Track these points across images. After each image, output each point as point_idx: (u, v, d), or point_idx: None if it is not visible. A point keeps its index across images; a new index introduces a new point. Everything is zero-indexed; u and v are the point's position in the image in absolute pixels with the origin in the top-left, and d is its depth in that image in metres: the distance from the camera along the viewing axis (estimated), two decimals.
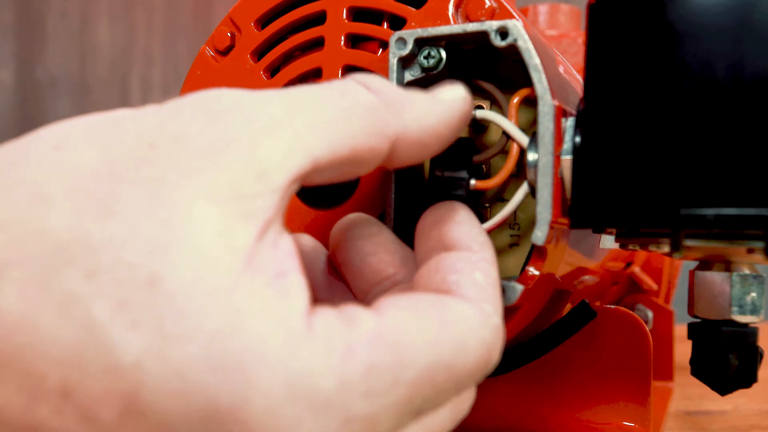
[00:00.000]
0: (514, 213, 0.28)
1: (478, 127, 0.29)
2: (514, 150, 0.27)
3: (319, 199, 0.30)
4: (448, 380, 0.20)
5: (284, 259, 0.19)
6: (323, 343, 0.18)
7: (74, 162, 0.19)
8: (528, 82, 0.26)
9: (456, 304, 0.21)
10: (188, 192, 0.18)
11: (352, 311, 0.20)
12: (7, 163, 0.19)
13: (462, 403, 0.22)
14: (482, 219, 0.27)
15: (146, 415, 0.17)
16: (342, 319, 0.19)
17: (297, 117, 0.20)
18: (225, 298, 0.17)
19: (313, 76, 0.31)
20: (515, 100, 0.27)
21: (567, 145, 0.26)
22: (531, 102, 0.27)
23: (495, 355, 0.22)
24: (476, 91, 0.28)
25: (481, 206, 0.29)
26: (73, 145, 0.19)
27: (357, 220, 0.26)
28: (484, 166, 0.28)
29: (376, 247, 0.25)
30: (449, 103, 0.24)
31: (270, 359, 0.17)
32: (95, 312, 0.17)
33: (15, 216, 0.18)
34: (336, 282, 0.26)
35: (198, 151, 0.19)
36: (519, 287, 0.26)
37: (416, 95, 0.23)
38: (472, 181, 0.27)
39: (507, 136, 0.27)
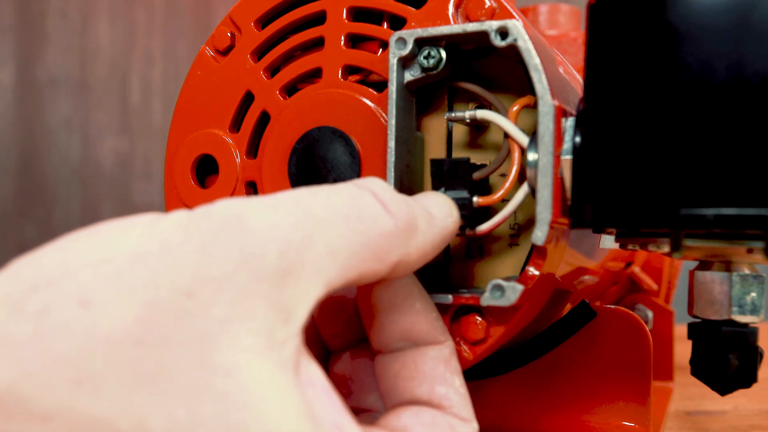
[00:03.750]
0: (514, 213, 0.28)
1: (478, 127, 0.29)
2: (516, 160, 0.27)
3: None
4: None
5: (334, 407, 0.20)
6: None
7: (109, 327, 0.17)
8: (527, 81, 0.26)
9: (459, 427, 0.24)
10: (234, 349, 0.18)
11: None
12: (33, 332, 0.17)
13: None
14: (483, 219, 0.27)
15: None
16: None
17: (319, 244, 0.20)
18: None
19: (313, 76, 0.31)
20: (515, 108, 0.27)
21: (567, 145, 0.26)
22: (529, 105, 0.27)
23: None
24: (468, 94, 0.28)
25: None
26: (103, 302, 0.17)
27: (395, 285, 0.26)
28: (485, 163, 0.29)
29: (407, 308, 0.26)
30: (442, 227, 0.24)
31: None
32: None
33: (57, 402, 0.16)
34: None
35: (233, 296, 0.18)
36: (519, 287, 0.26)
37: (420, 217, 0.23)
38: (475, 199, 0.27)
39: (506, 149, 0.27)
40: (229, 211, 0.20)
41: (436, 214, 0.24)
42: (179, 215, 0.20)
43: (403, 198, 0.23)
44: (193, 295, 0.18)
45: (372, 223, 0.22)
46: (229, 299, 0.18)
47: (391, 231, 0.22)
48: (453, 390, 0.25)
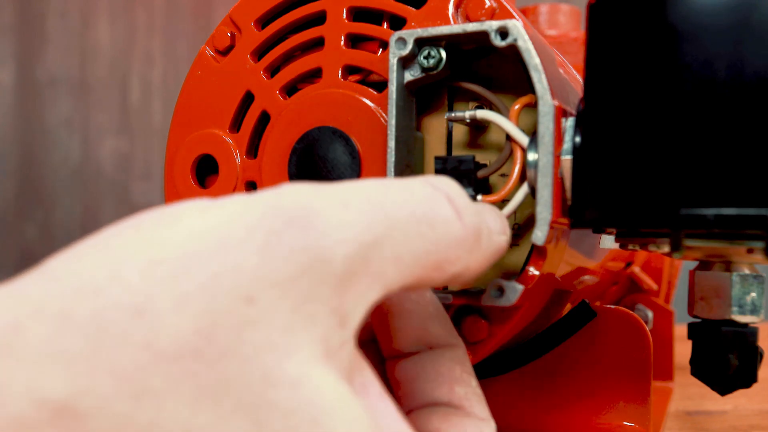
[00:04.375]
0: (514, 213, 0.28)
1: (478, 127, 0.29)
2: (518, 160, 0.27)
3: None
4: None
5: (392, 414, 0.19)
6: None
7: (167, 338, 0.16)
8: (527, 81, 0.26)
9: (483, 427, 0.24)
10: (297, 360, 0.17)
11: None
12: (85, 344, 0.16)
13: None
14: None
15: None
16: None
17: (387, 248, 0.19)
18: None
19: (313, 76, 0.31)
20: (516, 107, 0.27)
21: (567, 145, 0.26)
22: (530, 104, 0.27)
23: None
24: (468, 93, 0.28)
25: None
26: (158, 311, 0.16)
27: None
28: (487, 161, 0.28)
29: (422, 313, 0.25)
30: (498, 243, 0.23)
31: None
32: None
33: (116, 419, 0.15)
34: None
35: (295, 302, 0.17)
36: (519, 287, 0.26)
37: (485, 231, 0.22)
38: (479, 197, 0.27)
39: (509, 149, 0.27)
40: (298, 204, 0.18)
41: (494, 229, 0.23)
42: (238, 204, 0.18)
43: (474, 207, 0.22)
44: (254, 301, 0.17)
45: (444, 230, 0.20)
46: (291, 305, 0.17)
47: (460, 241, 0.21)
48: (471, 390, 0.25)
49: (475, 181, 0.27)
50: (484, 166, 0.28)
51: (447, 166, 0.27)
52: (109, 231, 0.18)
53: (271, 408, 0.16)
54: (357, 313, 0.18)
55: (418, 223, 0.20)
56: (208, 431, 0.16)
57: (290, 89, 0.32)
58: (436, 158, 0.27)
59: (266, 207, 0.18)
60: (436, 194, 0.21)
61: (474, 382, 0.25)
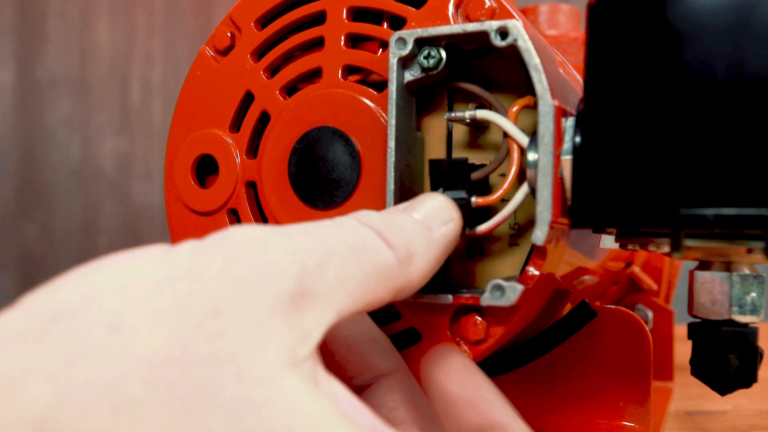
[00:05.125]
0: (514, 213, 0.28)
1: (478, 127, 0.29)
2: (515, 160, 0.27)
3: (318, 199, 0.30)
4: None
5: (365, 413, 0.20)
6: None
7: (142, 349, 0.17)
8: (527, 81, 0.26)
9: None
10: (267, 362, 0.18)
11: None
12: (64, 360, 0.16)
13: None
14: (483, 219, 0.27)
15: None
16: None
17: (330, 273, 0.21)
18: None
19: (313, 76, 0.31)
20: (515, 108, 0.27)
21: (567, 145, 0.26)
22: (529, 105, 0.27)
23: None
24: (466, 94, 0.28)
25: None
26: (132, 326, 0.17)
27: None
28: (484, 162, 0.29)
29: (360, 336, 0.27)
30: (442, 237, 0.25)
31: None
32: None
33: (97, 428, 0.16)
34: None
35: (258, 315, 0.19)
36: (519, 287, 0.26)
37: (419, 239, 0.24)
38: (474, 199, 0.27)
39: (505, 149, 0.27)
40: (247, 236, 0.20)
41: (434, 225, 0.25)
42: (192, 243, 0.20)
43: (398, 226, 0.24)
44: (220, 315, 0.18)
45: (375, 254, 0.22)
46: (254, 318, 0.19)
47: (392, 262, 0.23)
48: (414, 414, 0.26)
49: (468, 183, 0.27)
50: (480, 167, 0.28)
51: (441, 170, 0.27)
52: (81, 269, 0.19)
53: (245, 405, 0.17)
54: (316, 333, 0.20)
55: (353, 250, 0.22)
56: None
57: (290, 89, 0.32)
58: (431, 161, 0.27)
59: (223, 238, 0.20)
60: (361, 226, 0.23)
61: (422, 400, 0.26)
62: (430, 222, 0.25)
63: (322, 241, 0.21)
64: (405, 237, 0.24)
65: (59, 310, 0.17)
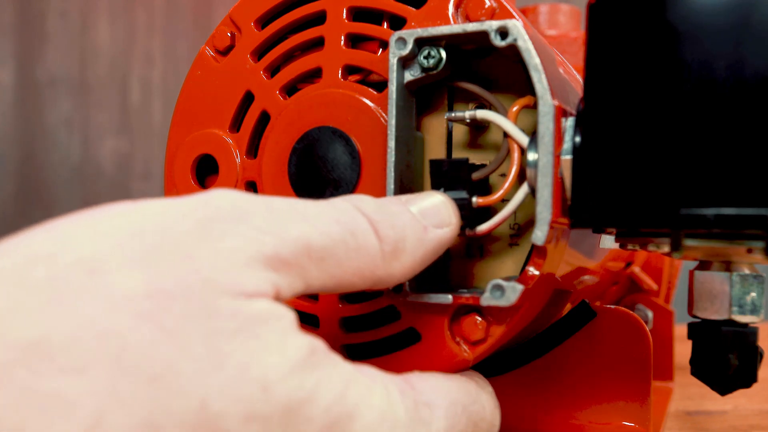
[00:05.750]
0: (514, 213, 0.28)
1: (478, 127, 0.29)
2: (515, 160, 0.27)
3: (317, 197, 0.30)
4: None
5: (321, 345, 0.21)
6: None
7: (121, 287, 0.18)
8: (527, 81, 0.26)
9: None
10: (238, 270, 0.20)
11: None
12: (48, 298, 0.17)
13: None
14: (483, 219, 0.27)
15: None
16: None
17: (314, 248, 0.21)
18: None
19: (313, 76, 0.31)
20: (515, 108, 0.27)
21: (567, 145, 0.26)
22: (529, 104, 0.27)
23: None
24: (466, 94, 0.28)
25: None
26: (110, 270, 0.18)
27: None
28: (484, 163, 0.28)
29: None
30: (435, 240, 0.25)
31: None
32: None
33: (88, 354, 0.17)
34: None
35: (232, 262, 0.20)
36: (519, 287, 0.26)
37: (410, 237, 0.24)
38: (474, 199, 0.27)
39: (506, 149, 0.27)
40: (227, 202, 0.21)
41: (430, 225, 0.25)
42: (164, 201, 0.21)
43: (392, 218, 0.24)
44: (194, 258, 0.19)
45: (362, 240, 0.23)
46: (227, 264, 0.19)
47: (376, 253, 0.23)
48: None
49: (469, 183, 0.27)
50: (480, 167, 0.28)
51: (441, 170, 0.27)
52: (51, 222, 0.20)
53: (221, 331, 0.18)
54: (285, 291, 0.21)
55: (339, 233, 0.22)
56: (173, 358, 0.18)
57: (290, 89, 0.32)
58: (431, 161, 0.27)
59: (197, 201, 0.21)
60: (354, 210, 0.23)
61: None
62: (427, 221, 0.25)
63: (307, 216, 0.22)
64: (396, 231, 0.24)
65: (36, 253, 0.18)
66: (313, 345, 0.21)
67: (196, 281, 0.19)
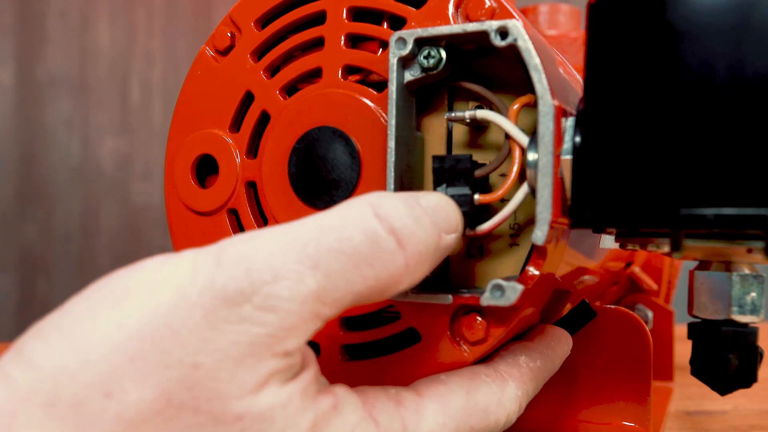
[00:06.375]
0: (514, 213, 0.28)
1: (478, 126, 0.29)
2: (516, 159, 0.27)
3: (318, 199, 0.30)
4: None
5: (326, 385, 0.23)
6: None
7: (135, 410, 0.20)
8: (527, 81, 0.26)
9: None
10: (248, 381, 0.21)
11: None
12: (74, 424, 0.20)
13: None
14: (483, 218, 0.27)
15: None
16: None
17: (323, 284, 0.21)
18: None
19: (313, 76, 0.31)
20: (515, 106, 0.27)
21: (567, 145, 0.26)
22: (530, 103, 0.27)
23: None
24: (468, 93, 0.28)
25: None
26: (123, 389, 0.20)
27: None
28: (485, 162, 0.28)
29: None
30: (445, 248, 0.25)
31: None
32: None
33: None
34: None
35: (233, 363, 0.21)
36: (519, 287, 0.26)
37: (430, 246, 0.24)
38: (476, 196, 0.27)
39: (507, 149, 0.27)
40: (232, 277, 0.21)
41: (444, 231, 0.24)
42: (182, 276, 0.21)
43: (414, 228, 0.23)
44: (200, 366, 0.20)
45: (383, 264, 0.22)
46: (234, 357, 0.21)
47: (401, 272, 0.23)
48: None
49: (472, 180, 0.27)
50: (483, 165, 0.28)
51: (444, 165, 0.27)
52: (65, 311, 0.21)
53: (226, 421, 0.20)
54: (298, 343, 0.22)
55: (356, 266, 0.22)
56: None
57: (290, 89, 0.32)
58: (434, 157, 0.27)
59: (203, 287, 0.21)
60: (378, 227, 0.22)
61: None
62: (441, 224, 0.24)
63: (325, 243, 0.22)
64: (420, 246, 0.23)
65: (57, 368, 0.20)
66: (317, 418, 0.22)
67: (201, 395, 0.20)
